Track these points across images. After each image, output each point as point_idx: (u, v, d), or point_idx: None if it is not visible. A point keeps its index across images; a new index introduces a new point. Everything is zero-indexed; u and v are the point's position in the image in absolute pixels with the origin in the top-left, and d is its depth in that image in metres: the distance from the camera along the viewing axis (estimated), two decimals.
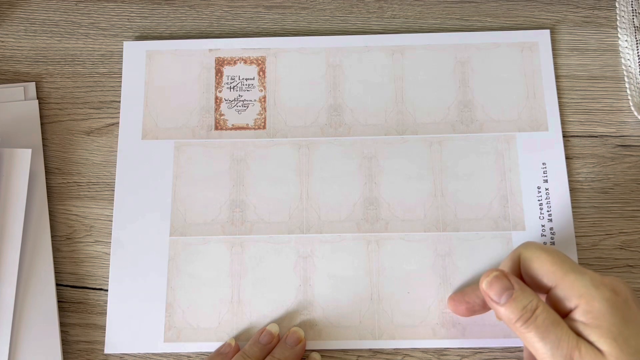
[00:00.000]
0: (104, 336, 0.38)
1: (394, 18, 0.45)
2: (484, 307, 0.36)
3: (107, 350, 0.38)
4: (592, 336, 0.29)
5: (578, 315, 0.30)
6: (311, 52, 0.44)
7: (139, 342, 0.38)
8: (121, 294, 0.39)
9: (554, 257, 0.31)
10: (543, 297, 0.32)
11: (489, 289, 0.32)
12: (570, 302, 0.30)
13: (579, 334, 0.29)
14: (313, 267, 0.39)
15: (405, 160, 0.41)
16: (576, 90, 0.43)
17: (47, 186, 0.41)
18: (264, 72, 0.43)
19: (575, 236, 0.40)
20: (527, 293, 0.31)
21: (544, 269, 0.31)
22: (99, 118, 0.43)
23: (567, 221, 0.40)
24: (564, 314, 0.31)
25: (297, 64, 0.43)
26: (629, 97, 0.42)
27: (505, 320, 0.31)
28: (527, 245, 0.33)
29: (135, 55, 0.44)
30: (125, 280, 0.39)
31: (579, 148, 0.42)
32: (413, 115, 0.42)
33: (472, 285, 0.38)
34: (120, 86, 0.43)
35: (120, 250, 0.40)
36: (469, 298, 0.37)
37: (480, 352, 0.38)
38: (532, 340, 0.30)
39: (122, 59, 0.44)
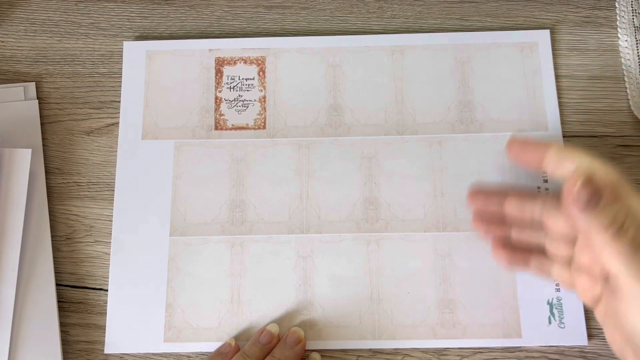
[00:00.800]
0: (104, 336, 0.38)
1: (394, 18, 0.45)
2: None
3: (107, 350, 0.38)
4: None
5: None
6: (311, 52, 0.44)
7: (139, 342, 0.38)
8: (121, 294, 0.39)
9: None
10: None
11: (582, 190, 0.29)
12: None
13: None
14: (313, 267, 0.39)
15: (405, 160, 0.41)
16: (576, 90, 0.43)
17: (47, 186, 0.41)
18: (264, 72, 0.43)
19: None
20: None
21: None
22: (99, 118, 0.43)
23: None
24: None
25: (297, 64, 0.43)
26: (629, 97, 0.42)
27: (589, 227, 0.29)
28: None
29: (135, 55, 0.44)
30: (125, 280, 0.39)
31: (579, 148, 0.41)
32: (413, 115, 0.42)
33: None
34: (120, 86, 0.43)
35: (120, 250, 0.40)
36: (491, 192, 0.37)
37: (480, 352, 0.38)
38: (618, 256, 0.27)
39: (122, 59, 0.44)
